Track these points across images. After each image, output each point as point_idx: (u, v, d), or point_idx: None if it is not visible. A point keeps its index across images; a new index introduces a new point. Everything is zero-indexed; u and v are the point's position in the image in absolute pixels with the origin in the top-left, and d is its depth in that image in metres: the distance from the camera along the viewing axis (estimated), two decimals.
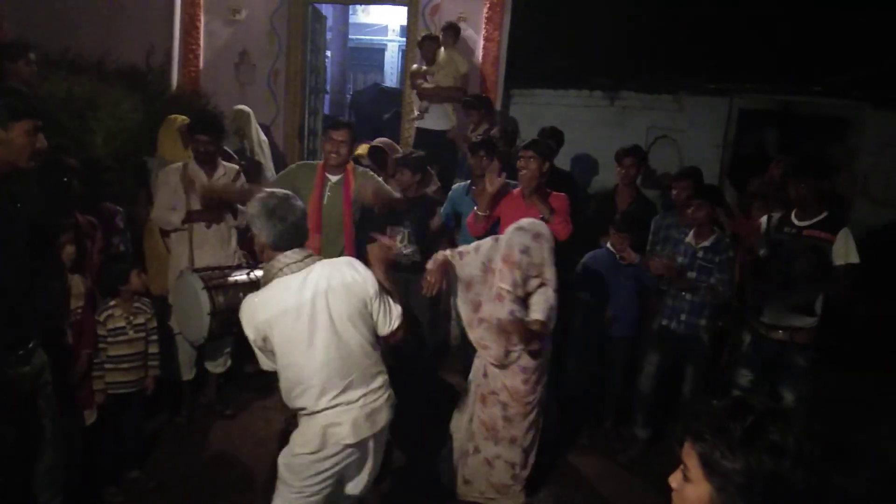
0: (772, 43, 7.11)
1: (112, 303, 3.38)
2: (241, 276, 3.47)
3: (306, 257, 2.47)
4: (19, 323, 2.59)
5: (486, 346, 3.42)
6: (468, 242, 4.25)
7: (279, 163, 6.67)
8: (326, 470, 2.50)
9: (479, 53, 6.84)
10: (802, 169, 3.72)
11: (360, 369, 2.53)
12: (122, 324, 3.36)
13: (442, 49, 6.28)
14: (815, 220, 3.66)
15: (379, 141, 5.36)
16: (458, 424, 3.68)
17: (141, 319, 3.44)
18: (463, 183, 4.51)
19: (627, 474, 4.01)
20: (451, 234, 4.60)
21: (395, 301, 2.66)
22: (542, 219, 3.86)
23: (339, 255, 3.85)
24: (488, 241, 3.49)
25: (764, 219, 3.94)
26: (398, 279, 4.43)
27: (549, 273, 3.33)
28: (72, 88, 5.17)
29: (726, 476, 1.25)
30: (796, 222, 3.71)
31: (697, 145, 6.97)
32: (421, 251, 4.45)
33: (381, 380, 2.62)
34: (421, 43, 6.41)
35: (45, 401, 2.74)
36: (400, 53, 12.61)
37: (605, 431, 4.39)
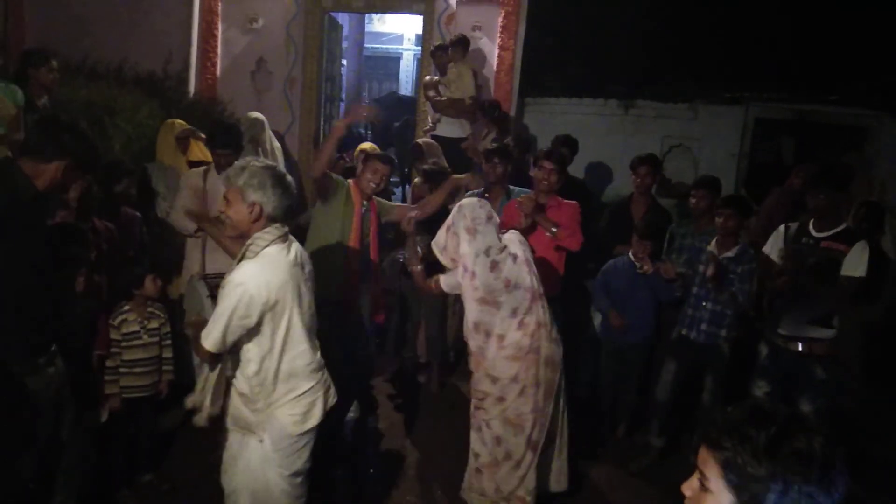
0: (788, 51, 7.09)
1: (126, 307, 3.40)
2: None
3: (286, 231, 2.50)
4: (41, 329, 2.61)
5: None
6: None
7: (293, 170, 6.72)
8: (306, 447, 2.60)
9: (494, 62, 6.85)
10: (821, 179, 3.69)
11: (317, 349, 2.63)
12: (137, 328, 3.38)
13: (452, 63, 6.31)
14: (833, 231, 3.62)
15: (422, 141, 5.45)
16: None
17: (155, 324, 3.46)
18: (477, 191, 4.51)
19: (640, 482, 3.98)
20: None
21: None
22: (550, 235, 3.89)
23: (365, 270, 4.02)
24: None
25: (781, 228, 3.91)
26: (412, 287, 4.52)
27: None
28: (90, 94, 5.24)
29: (750, 484, 1.23)
30: (814, 233, 3.68)
31: (713, 154, 6.94)
32: None
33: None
34: (433, 53, 6.44)
35: (64, 405, 2.76)
36: (415, 62, 12.66)
37: (618, 439, 4.37)
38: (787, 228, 3.85)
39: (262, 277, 2.35)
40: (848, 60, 6.83)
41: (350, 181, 4.00)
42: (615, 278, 4.21)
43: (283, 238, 2.46)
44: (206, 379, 2.62)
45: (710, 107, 7.00)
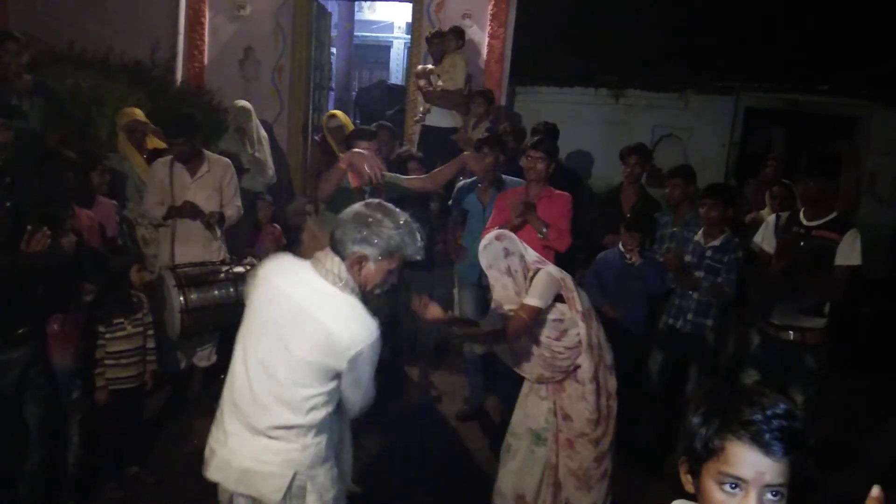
0: (779, 41, 7.08)
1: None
2: (219, 275, 3.65)
3: (340, 278, 2.08)
4: (10, 309, 2.60)
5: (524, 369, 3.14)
6: (472, 240, 4.26)
7: (281, 159, 6.68)
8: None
9: (484, 50, 6.81)
10: (812, 168, 3.68)
11: (265, 408, 2.08)
12: (121, 319, 3.35)
13: (446, 53, 6.26)
14: (823, 220, 3.62)
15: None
16: (521, 485, 3.15)
17: (138, 314, 3.44)
18: (468, 181, 4.49)
19: (628, 472, 3.97)
20: (454, 229, 4.58)
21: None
22: (539, 236, 3.86)
23: None
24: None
25: (772, 218, 3.91)
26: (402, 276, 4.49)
27: (534, 255, 3.08)
28: (77, 83, 5.18)
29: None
30: (805, 222, 3.67)
31: (703, 144, 6.94)
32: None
33: (286, 447, 2.09)
34: (429, 40, 6.38)
35: (32, 392, 2.76)
36: (405, 51, 12.57)
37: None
38: (777, 218, 3.85)
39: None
40: (839, 50, 6.82)
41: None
42: (606, 271, 4.20)
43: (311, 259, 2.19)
44: None
45: (701, 96, 6.99)
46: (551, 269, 3.02)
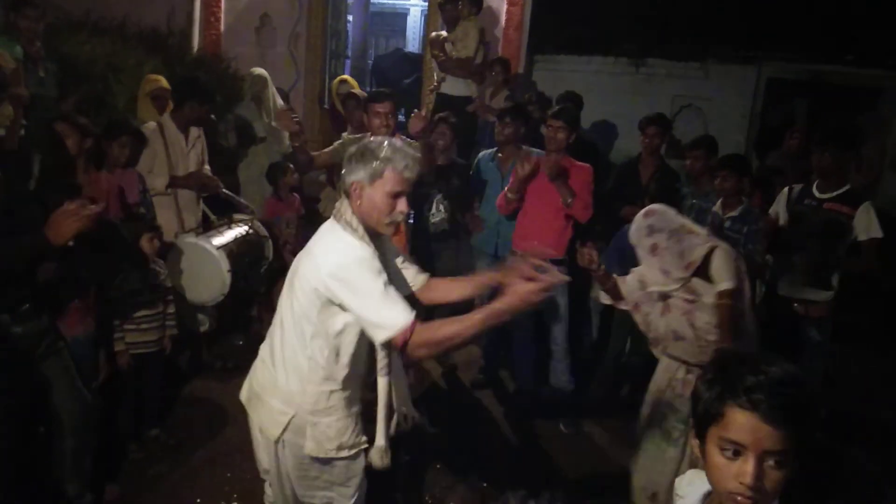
0: (802, 10, 6.91)
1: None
2: (234, 231, 4.17)
3: (337, 210, 2.20)
4: (15, 283, 2.60)
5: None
6: (490, 210, 4.26)
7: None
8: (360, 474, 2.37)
9: (503, 18, 6.72)
10: (827, 138, 3.63)
11: (281, 342, 2.21)
12: (139, 285, 3.40)
13: (461, 20, 6.18)
14: (836, 192, 3.58)
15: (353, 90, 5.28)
16: (651, 483, 2.96)
17: (156, 280, 3.49)
18: (489, 151, 4.47)
19: None
20: (472, 199, 4.58)
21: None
22: (564, 203, 3.84)
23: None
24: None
25: (785, 190, 3.87)
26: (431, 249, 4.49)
27: (697, 230, 2.76)
28: (94, 50, 5.18)
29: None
30: (817, 194, 3.64)
31: (723, 115, 6.83)
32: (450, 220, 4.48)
33: (288, 386, 2.19)
34: (442, 6, 6.30)
35: (52, 369, 2.76)
36: (422, 18, 12.43)
37: (621, 400, 4.40)
38: (790, 190, 3.82)
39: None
40: (863, 20, 6.66)
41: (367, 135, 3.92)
42: (627, 243, 4.16)
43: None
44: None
45: (722, 66, 6.86)
46: (725, 246, 2.71)
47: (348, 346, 2.15)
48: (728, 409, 1.20)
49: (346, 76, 6.32)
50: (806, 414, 1.19)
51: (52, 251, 2.41)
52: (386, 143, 2.12)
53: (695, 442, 1.33)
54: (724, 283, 2.63)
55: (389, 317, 1.96)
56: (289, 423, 2.17)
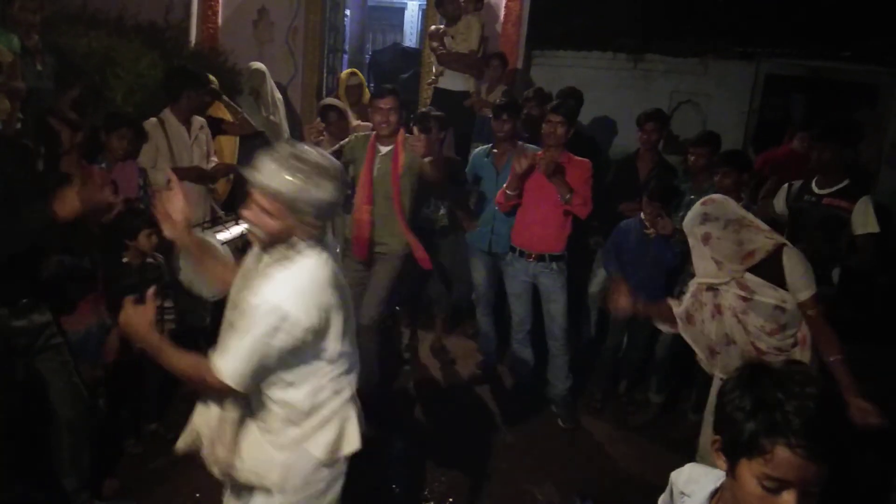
0: (801, 6, 6.91)
1: (124, 259, 3.41)
2: (240, 227, 3.80)
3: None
4: (11, 277, 2.58)
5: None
6: (484, 207, 4.25)
7: (295, 122, 6.65)
8: (336, 481, 2.14)
9: (501, 13, 6.71)
10: (827, 134, 3.64)
11: None
12: (135, 280, 3.39)
13: (463, 15, 6.16)
14: (835, 188, 3.59)
15: (332, 101, 5.17)
16: None
17: (153, 276, 3.47)
18: (484, 147, 4.47)
19: (639, 437, 4.04)
20: (467, 196, 4.57)
21: None
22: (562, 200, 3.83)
23: (394, 229, 3.85)
24: None
25: (785, 187, 3.88)
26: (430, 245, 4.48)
27: (761, 224, 2.60)
28: (91, 44, 5.15)
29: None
30: (816, 190, 3.66)
31: (722, 111, 6.82)
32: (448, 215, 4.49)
33: None
34: (442, 2, 6.28)
35: (50, 363, 2.75)
36: (420, 13, 12.38)
37: (619, 395, 4.41)
38: (790, 186, 3.83)
39: (307, 297, 1.88)
40: (863, 17, 6.66)
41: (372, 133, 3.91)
42: (626, 239, 4.17)
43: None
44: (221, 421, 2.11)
45: (721, 62, 6.86)
46: (794, 248, 2.58)
47: None
48: (779, 450, 1.16)
49: (355, 69, 6.31)
50: (847, 444, 1.18)
51: (56, 228, 2.39)
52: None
53: (718, 455, 1.29)
54: (807, 290, 2.51)
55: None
56: None
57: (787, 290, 2.55)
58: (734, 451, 1.24)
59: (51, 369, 2.77)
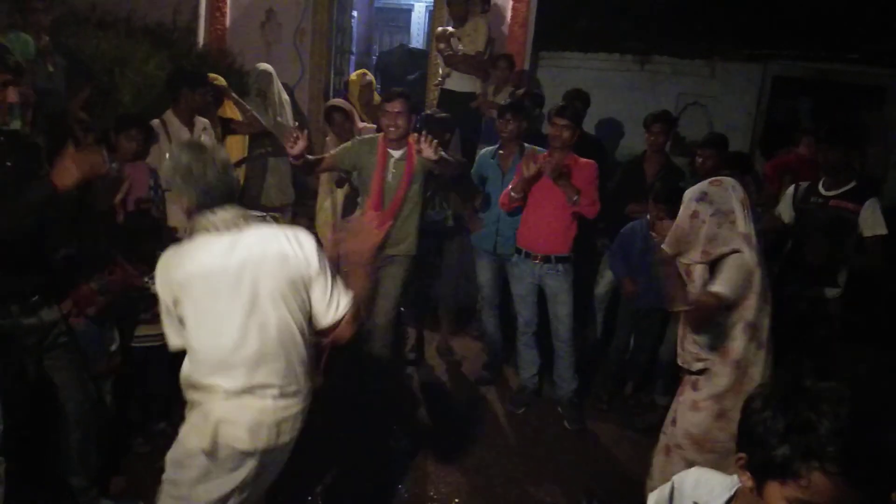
0: (808, 9, 6.89)
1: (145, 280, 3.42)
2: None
3: (240, 217, 2.09)
4: (22, 273, 2.59)
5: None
6: (490, 206, 4.26)
7: (302, 124, 6.66)
8: (219, 478, 2.12)
9: (508, 14, 6.71)
10: (834, 136, 3.64)
11: (278, 361, 2.11)
12: (144, 278, 3.40)
13: (471, 16, 6.17)
14: (842, 189, 3.60)
15: (337, 102, 5.17)
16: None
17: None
18: (490, 148, 4.47)
19: (644, 438, 4.02)
20: (472, 197, 4.58)
21: (346, 289, 2.18)
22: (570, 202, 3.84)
23: (408, 232, 3.86)
24: None
25: (791, 188, 3.88)
26: (431, 245, 4.49)
27: (743, 227, 2.56)
28: (100, 45, 5.18)
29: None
30: (823, 192, 3.66)
31: (728, 113, 6.82)
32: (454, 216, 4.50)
33: (302, 385, 2.18)
34: (451, 1, 6.28)
35: (59, 360, 2.76)
36: (427, 14, 12.40)
37: (625, 397, 4.41)
38: (796, 188, 3.83)
39: (160, 271, 2.12)
40: (870, 19, 6.64)
41: (379, 136, 3.90)
42: (632, 241, 4.17)
43: (230, 223, 2.07)
44: None
45: (728, 64, 6.85)
46: (751, 258, 2.53)
47: None
48: (816, 475, 1.13)
49: (365, 70, 6.32)
50: (886, 467, 1.14)
51: (58, 200, 2.39)
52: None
53: (748, 481, 1.26)
54: (721, 286, 2.50)
55: (343, 299, 2.17)
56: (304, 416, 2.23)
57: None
58: (765, 472, 1.21)
59: (60, 367, 2.78)
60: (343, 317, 2.16)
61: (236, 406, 2.09)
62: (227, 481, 2.12)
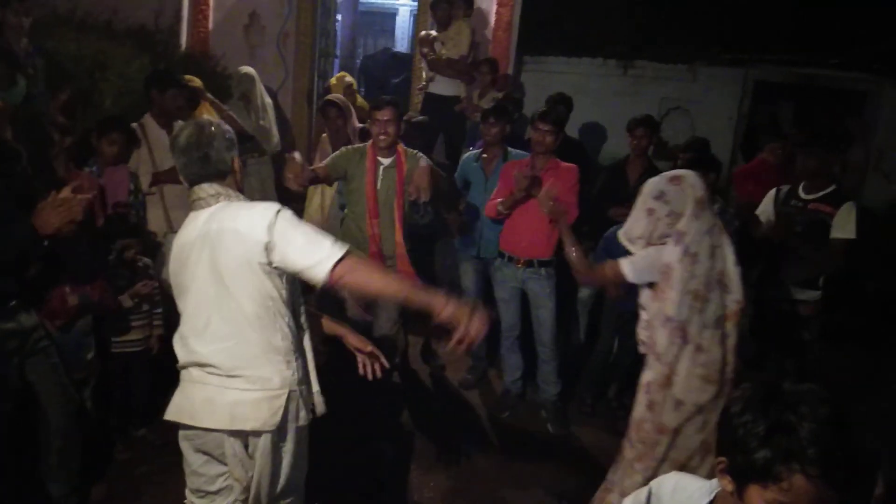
0: (790, 14, 6.97)
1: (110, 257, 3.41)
2: None
3: (218, 194, 2.13)
4: (4, 278, 2.57)
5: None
6: (472, 212, 4.26)
7: (286, 127, 6.65)
8: (188, 445, 2.24)
9: (492, 18, 6.73)
10: (813, 142, 3.69)
11: (226, 341, 2.09)
12: (123, 283, 3.37)
13: (454, 20, 6.18)
14: (821, 193, 3.64)
15: (334, 97, 5.19)
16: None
17: (143, 277, 3.46)
18: (473, 152, 4.48)
19: None
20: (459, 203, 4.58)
21: (332, 240, 2.07)
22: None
23: (395, 240, 3.82)
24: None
25: (773, 191, 3.92)
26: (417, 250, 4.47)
27: (683, 225, 2.57)
28: (80, 47, 5.14)
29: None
30: (803, 195, 3.71)
31: (711, 117, 6.88)
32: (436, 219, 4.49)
33: (268, 370, 2.12)
34: (434, 6, 6.30)
35: (39, 367, 2.73)
36: (411, 18, 12.42)
37: (609, 400, 4.42)
38: (777, 191, 3.87)
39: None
40: (851, 24, 6.72)
41: (367, 144, 3.86)
42: (616, 244, 4.17)
43: (210, 199, 2.13)
44: None
45: (710, 69, 6.92)
46: (671, 253, 2.57)
47: (297, 305, 2.24)
48: (796, 478, 1.14)
49: (343, 73, 6.32)
50: (865, 468, 1.20)
51: (39, 242, 2.40)
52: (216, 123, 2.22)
53: (729, 485, 1.27)
54: (624, 263, 2.70)
55: (325, 249, 2.02)
56: (287, 404, 2.14)
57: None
58: (745, 475, 1.21)
59: (41, 373, 2.74)
60: (334, 270, 2.01)
61: (188, 379, 2.18)
62: (214, 464, 2.22)
